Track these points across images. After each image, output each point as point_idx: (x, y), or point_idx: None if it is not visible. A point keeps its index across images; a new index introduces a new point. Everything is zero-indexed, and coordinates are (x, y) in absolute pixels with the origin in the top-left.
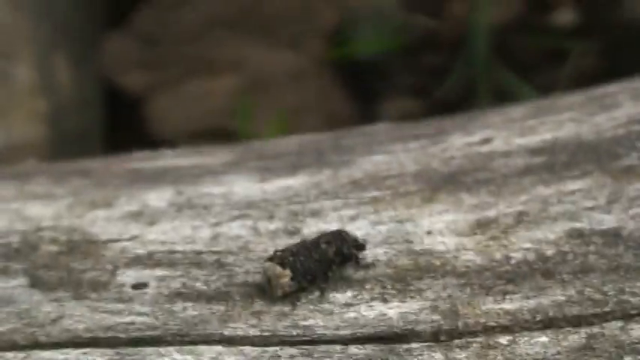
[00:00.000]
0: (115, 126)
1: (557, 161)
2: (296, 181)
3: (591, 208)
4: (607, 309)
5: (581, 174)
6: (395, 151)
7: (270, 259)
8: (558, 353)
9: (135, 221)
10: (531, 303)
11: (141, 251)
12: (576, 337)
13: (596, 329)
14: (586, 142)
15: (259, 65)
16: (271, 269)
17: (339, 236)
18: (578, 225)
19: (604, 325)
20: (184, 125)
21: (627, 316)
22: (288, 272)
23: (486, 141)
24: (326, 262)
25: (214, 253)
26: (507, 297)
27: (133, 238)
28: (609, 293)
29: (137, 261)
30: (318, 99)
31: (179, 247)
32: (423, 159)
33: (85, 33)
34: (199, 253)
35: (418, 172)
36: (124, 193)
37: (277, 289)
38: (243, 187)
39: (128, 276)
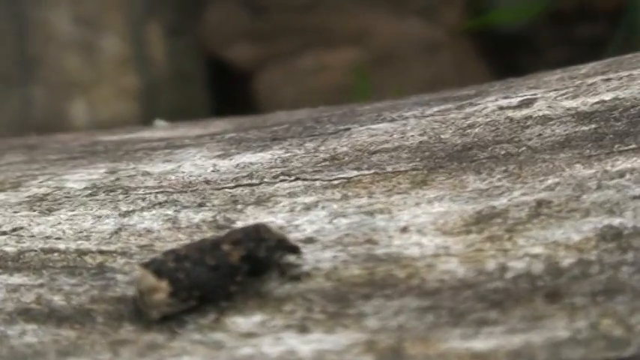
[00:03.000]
0: (225, 100)
1: (611, 130)
2: (262, 157)
3: None
4: (627, 353)
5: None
6: (406, 118)
7: (146, 265)
8: None
9: (30, 209)
10: (515, 342)
11: (10, 249)
12: None
13: None
14: None
15: (386, 37)
16: (143, 281)
17: (256, 234)
18: (617, 221)
19: None
20: (295, 101)
21: None
22: (164, 285)
23: (526, 103)
24: (227, 272)
25: (103, 253)
26: (483, 331)
27: (12, 231)
28: (637, 328)
29: None
30: (454, 74)
31: (62, 245)
32: (435, 127)
33: (181, 1)
34: (84, 253)
35: (420, 145)
36: (47, 172)
37: (151, 308)
38: (195, 164)
39: None
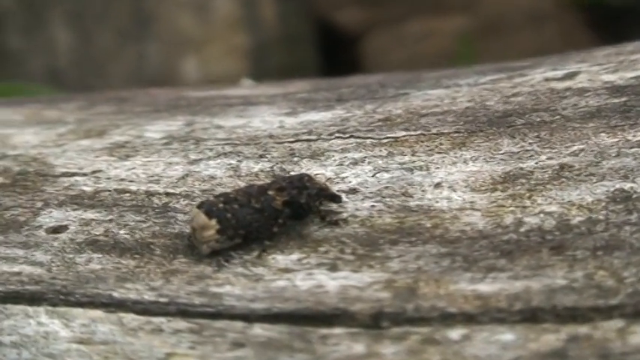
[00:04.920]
0: (333, 63)
1: (639, 103)
2: (324, 116)
3: None
4: (614, 301)
5: None
6: (460, 85)
7: (200, 205)
8: (516, 359)
9: (109, 154)
10: (517, 286)
11: (88, 188)
12: (552, 339)
13: (584, 329)
14: None
15: (493, 6)
16: (196, 219)
17: (300, 182)
18: (628, 185)
19: (599, 324)
20: (402, 66)
21: (637, 314)
22: (214, 224)
23: (570, 76)
24: (271, 214)
25: (168, 195)
26: (490, 275)
27: (91, 173)
28: (628, 280)
29: (75, 199)
30: (560, 45)
31: (134, 187)
32: (483, 95)
33: None
34: (152, 194)
35: (466, 110)
36: (131, 122)
37: (202, 244)
38: (264, 120)
39: (52, 217)
